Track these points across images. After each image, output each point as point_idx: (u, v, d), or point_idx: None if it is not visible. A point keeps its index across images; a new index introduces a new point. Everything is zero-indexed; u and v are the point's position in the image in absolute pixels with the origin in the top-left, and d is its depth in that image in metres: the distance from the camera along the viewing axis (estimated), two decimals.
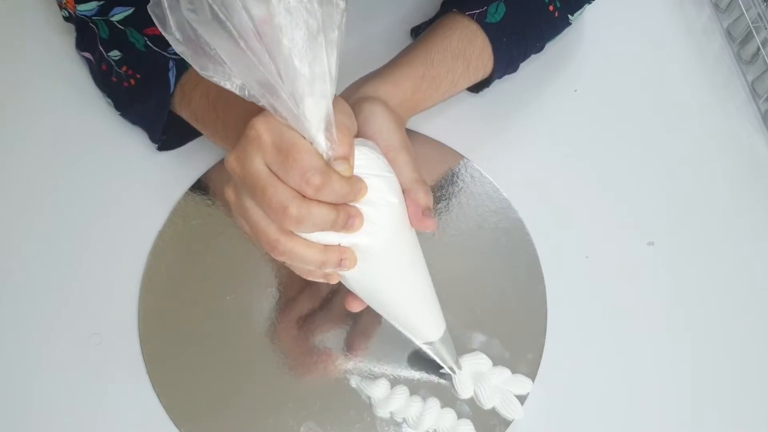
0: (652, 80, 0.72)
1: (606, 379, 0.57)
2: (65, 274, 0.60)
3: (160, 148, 0.64)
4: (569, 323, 0.59)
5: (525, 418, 0.55)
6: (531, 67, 0.70)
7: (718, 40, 0.75)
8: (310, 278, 0.47)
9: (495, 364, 0.56)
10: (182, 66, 0.58)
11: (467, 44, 0.61)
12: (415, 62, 0.59)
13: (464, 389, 0.55)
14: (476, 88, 0.67)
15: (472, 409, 0.55)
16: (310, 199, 0.41)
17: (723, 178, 0.67)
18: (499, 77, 0.65)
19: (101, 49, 0.62)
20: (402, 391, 0.55)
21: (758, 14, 0.71)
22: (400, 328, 0.52)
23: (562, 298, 0.60)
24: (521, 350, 0.57)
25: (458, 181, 0.65)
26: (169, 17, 0.37)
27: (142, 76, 0.60)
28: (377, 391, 0.55)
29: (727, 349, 0.59)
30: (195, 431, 0.54)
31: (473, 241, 0.62)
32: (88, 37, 0.63)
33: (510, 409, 0.55)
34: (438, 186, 0.65)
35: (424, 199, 0.47)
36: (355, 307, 0.51)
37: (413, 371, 0.56)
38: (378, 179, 0.44)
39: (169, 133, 0.63)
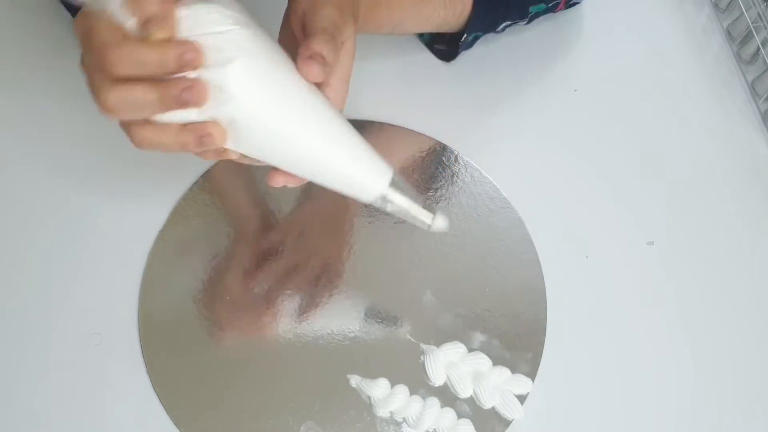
0: (651, 80, 0.73)
1: (606, 378, 0.57)
2: (65, 274, 0.60)
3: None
4: (569, 323, 0.59)
5: (525, 418, 0.55)
6: (530, 66, 0.70)
7: (718, 40, 0.75)
8: (191, 152, 0.42)
9: (495, 364, 0.57)
10: None
11: None
12: None
13: (464, 389, 0.55)
14: (449, 54, 0.66)
15: (472, 409, 0.55)
16: (119, 82, 0.36)
17: (723, 178, 0.67)
18: (476, 30, 0.63)
19: None
20: (402, 390, 0.55)
21: (758, 14, 0.71)
22: (341, 189, 0.46)
23: (562, 298, 0.60)
24: (521, 350, 0.57)
25: (458, 181, 0.65)
26: None
27: None
28: (377, 390, 0.55)
29: (727, 348, 0.59)
30: (195, 431, 0.54)
31: (473, 242, 0.62)
32: None
33: (510, 409, 0.55)
34: (438, 186, 0.65)
35: (318, 44, 0.41)
36: (275, 182, 0.46)
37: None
38: (218, 37, 0.38)
39: None
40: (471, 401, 0.56)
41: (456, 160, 0.66)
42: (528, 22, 0.69)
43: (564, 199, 0.65)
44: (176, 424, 0.54)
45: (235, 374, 0.56)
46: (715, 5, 0.77)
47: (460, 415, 0.55)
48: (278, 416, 0.54)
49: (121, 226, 0.62)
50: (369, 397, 0.55)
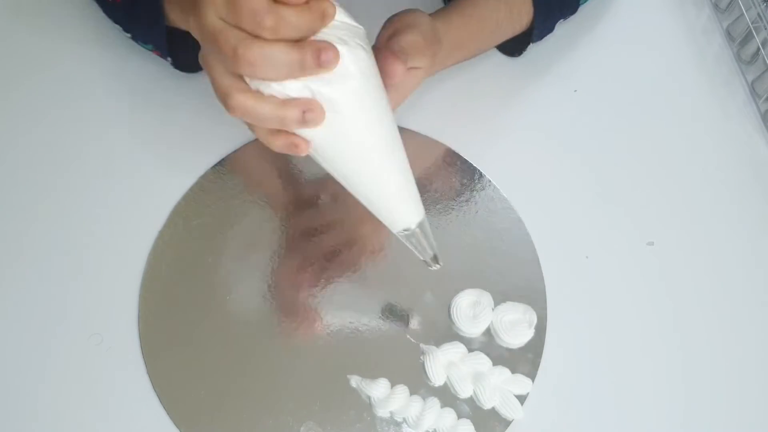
0: (651, 80, 0.73)
1: (606, 379, 0.57)
2: (65, 274, 0.60)
3: (178, 67, 0.62)
4: (569, 323, 0.59)
5: (525, 418, 0.55)
6: (531, 67, 0.70)
7: (718, 40, 0.75)
8: (277, 146, 0.42)
9: (495, 364, 0.57)
10: None
11: None
12: (461, 2, 0.61)
13: (464, 389, 0.55)
14: (514, 49, 0.69)
15: (472, 409, 0.55)
16: (266, 39, 0.37)
17: (723, 177, 0.67)
18: (539, 35, 0.66)
19: None
20: (402, 390, 0.55)
21: (758, 14, 0.71)
22: (375, 211, 0.49)
23: (562, 298, 0.60)
24: (521, 350, 0.57)
25: (458, 181, 0.65)
26: None
27: None
28: (377, 391, 0.55)
29: (726, 348, 0.59)
30: (195, 431, 0.54)
31: (473, 242, 0.62)
32: None
33: (510, 409, 0.55)
34: (437, 187, 0.65)
35: (405, 41, 0.46)
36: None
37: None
38: (344, 14, 0.40)
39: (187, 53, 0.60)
40: (471, 401, 0.56)
41: (456, 160, 0.66)
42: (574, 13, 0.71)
43: (564, 199, 0.65)
44: (176, 424, 0.54)
45: (235, 374, 0.56)
46: (715, 6, 0.77)
47: (460, 415, 0.55)
48: (278, 416, 0.54)
49: (121, 226, 0.62)
50: (369, 397, 0.55)
